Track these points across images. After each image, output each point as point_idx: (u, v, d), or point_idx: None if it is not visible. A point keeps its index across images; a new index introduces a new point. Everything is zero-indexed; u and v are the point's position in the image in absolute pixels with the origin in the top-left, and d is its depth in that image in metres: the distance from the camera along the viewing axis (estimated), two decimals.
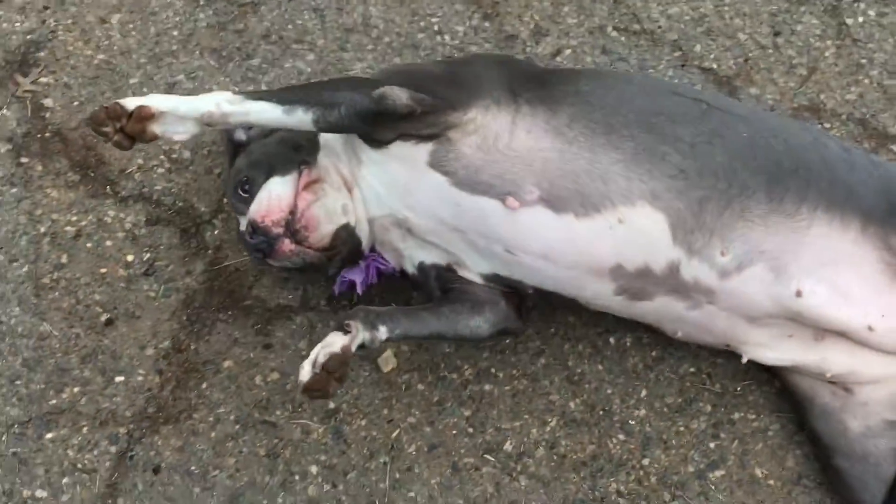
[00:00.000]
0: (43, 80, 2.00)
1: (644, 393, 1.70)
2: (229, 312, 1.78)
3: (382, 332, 1.46)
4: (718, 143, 1.47)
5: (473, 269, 1.59)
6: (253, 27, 2.05)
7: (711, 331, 1.54)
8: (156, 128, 1.38)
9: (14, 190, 1.87)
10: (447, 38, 2.04)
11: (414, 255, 1.64)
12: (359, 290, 1.71)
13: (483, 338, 1.62)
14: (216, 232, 1.85)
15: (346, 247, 1.61)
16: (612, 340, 1.73)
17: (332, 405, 1.69)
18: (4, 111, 1.96)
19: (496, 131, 1.48)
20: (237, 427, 1.67)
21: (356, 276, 1.70)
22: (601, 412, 1.69)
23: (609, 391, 1.70)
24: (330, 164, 1.61)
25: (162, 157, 1.92)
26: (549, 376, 1.72)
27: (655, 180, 1.44)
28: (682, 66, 2.00)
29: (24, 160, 1.90)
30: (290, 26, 2.05)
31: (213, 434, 1.67)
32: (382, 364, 1.74)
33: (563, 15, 2.07)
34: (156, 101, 1.38)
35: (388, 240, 1.64)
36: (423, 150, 1.49)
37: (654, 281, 1.48)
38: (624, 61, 2.01)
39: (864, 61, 2.01)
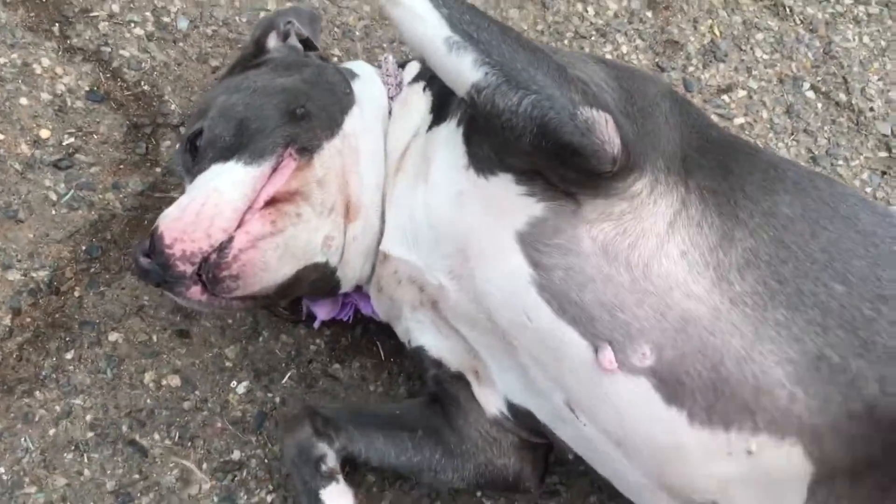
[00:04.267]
0: None
1: None
2: None
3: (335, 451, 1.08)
4: None
5: (497, 391, 1.07)
6: None
7: None
8: None
9: None
10: (590, 11, 1.50)
11: (417, 333, 1.11)
12: (316, 324, 1.21)
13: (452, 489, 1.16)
14: (178, 144, 1.31)
15: (308, 290, 1.10)
16: None
17: (236, 456, 1.17)
18: None
19: (643, 230, 0.93)
20: (91, 435, 1.15)
21: (321, 309, 1.19)
22: None
23: None
24: (338, 165, 1.07)
25: (148, 13, 1.38)
26: None
27: (829, 414, 0.89)
28: (885, 172, 1.47)
29: None
30: None
31: (52, 431, 1.14)
32: None
33: (754, 42, 1.53)
34: None
35: (391, 293, 1.11)
36: (526, 210, 0.95)
37: None
38: (809, 135, 1.48)
39: None
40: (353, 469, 1.13)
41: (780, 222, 0.96)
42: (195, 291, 0.98)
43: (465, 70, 0.90)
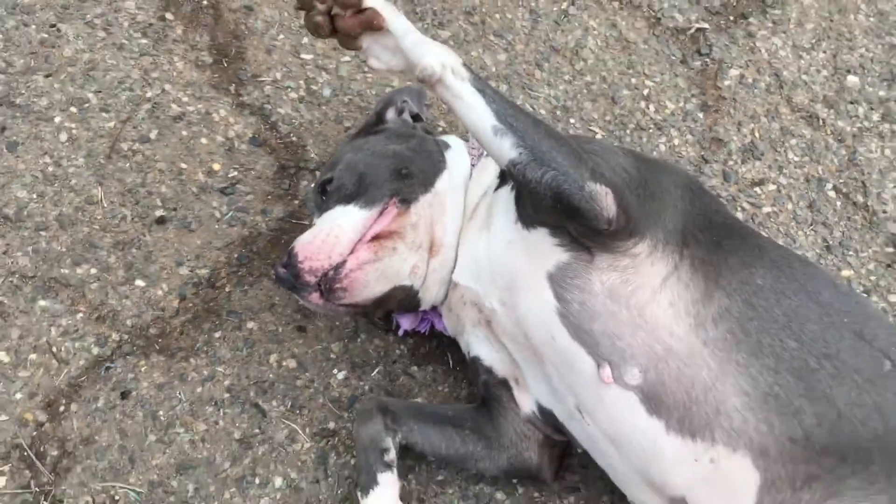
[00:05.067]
0: None
1: None
2: None
3: (396, 445, 1.42)
4: (874, 423, 1.20)
5: (531, 395, 1.41)
6: None
7: None
8: (367, 41, 1.23)
9: (143, 41, 1.77)
10: (651, 108, 1.84)
11: (475, 345, 1.46)
12: (401, 332, 1.58)
13: (490, 476, 1.51)
14: (313, 185, 1.70)
15: (397, 305, 1.46)
16: None
17: (332, 425, 1.53)
18: None
19: (641, 283, 1.25)
20: (227, 395, 1.53)
21: (406, 320, 1.55)
22: None
23: None
24: (431, 216, 1.43)
25: (302, 82, 1.79)
26: None
27: (773, 437, 1.19)
28: (889, 265, 1.75)
29: (168, 16, 1.81)
30: (498, 15, 1.90)
31: (199, 389, 1.53)
32: None
33: (788, 146, 1.84)
34: (392, 17, 1.21)
35: (458, 312, 1.47)
36: (555, 256, 1.29)
37: None
38: (826, 227, 1.77)
39: None
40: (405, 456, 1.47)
41: (752, 289, 1.26)
42: (315, 297, 1.36)
43: (505, 150, 1.23)
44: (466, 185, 1.50)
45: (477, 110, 1.25)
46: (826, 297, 1.30)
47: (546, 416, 1.40)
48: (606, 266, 1.27)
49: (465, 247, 1.43)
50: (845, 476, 1.19)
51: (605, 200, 1.22)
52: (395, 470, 1.40)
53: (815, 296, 1.30)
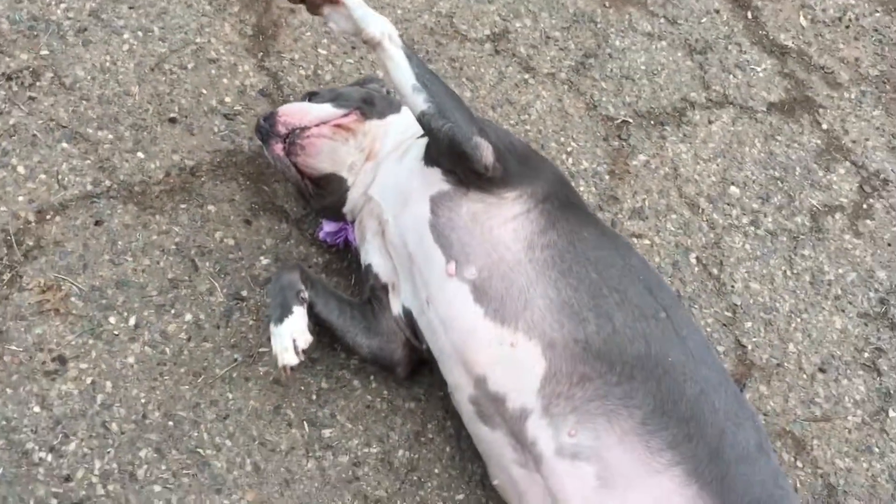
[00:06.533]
0: None
1: (461, 497, 1.73)
2: (248, 182, 2.04)
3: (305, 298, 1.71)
4: (639, 346, 1.51)
5: (400, 299, 1.74)
6: (451, 47, 2.42)
7: (522, 499, 1.57)
8: (328, 9, 1.64)
9: (207, 7, 2.29)
10: (570, 161, 2.28)
11: (370, 254, 1.82)
12: (321, 237, 1.96)
13: (359, 355, 1.81)
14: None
15: (331, 197, 1.85)
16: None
17: (244, 293, 1.88)
18: None
19: (498, 213, 1.62)
20: (173, 247, 1.90)
21: (329, 225, 1.93)
22: (415, 478, 1.74)
23: (437, 471, 1.75)
24: (376, 133, 1.86)
25: (312, 66, 2.28)
26: (405, 419, 1.80)
27: (560, 334, 1.51)
28: (724, 325, 2.10)
29: None
30: (474, 67, 2.40)
31: (154, 237, 1.90)
32: None
33: (668, 219, 2.25)
34: None
35: (364, 224, 1.85)
36: (439, 185, 1.66)
37: (502, 414, 1.54)
38: (683, 284, 2.14)
39: (876, 449, 2.00)
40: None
41: (577, 237, 1.62)
42: (278, 147, 1.77)
43: (419, 103, 1.62)
44: (405, 129, 1.91)
45: (402, 70, 1.63)
46: (633, 262, 1.66)
47: (407, 317, 1.73)
48: (476, 199, 1.65)
49: (383, 171, 1.84)
50: (612, 384, 1.49)
51: (486, 151, 1.61)
52: (305, 307, 1.69)
53: (625, 258, 1.66)
